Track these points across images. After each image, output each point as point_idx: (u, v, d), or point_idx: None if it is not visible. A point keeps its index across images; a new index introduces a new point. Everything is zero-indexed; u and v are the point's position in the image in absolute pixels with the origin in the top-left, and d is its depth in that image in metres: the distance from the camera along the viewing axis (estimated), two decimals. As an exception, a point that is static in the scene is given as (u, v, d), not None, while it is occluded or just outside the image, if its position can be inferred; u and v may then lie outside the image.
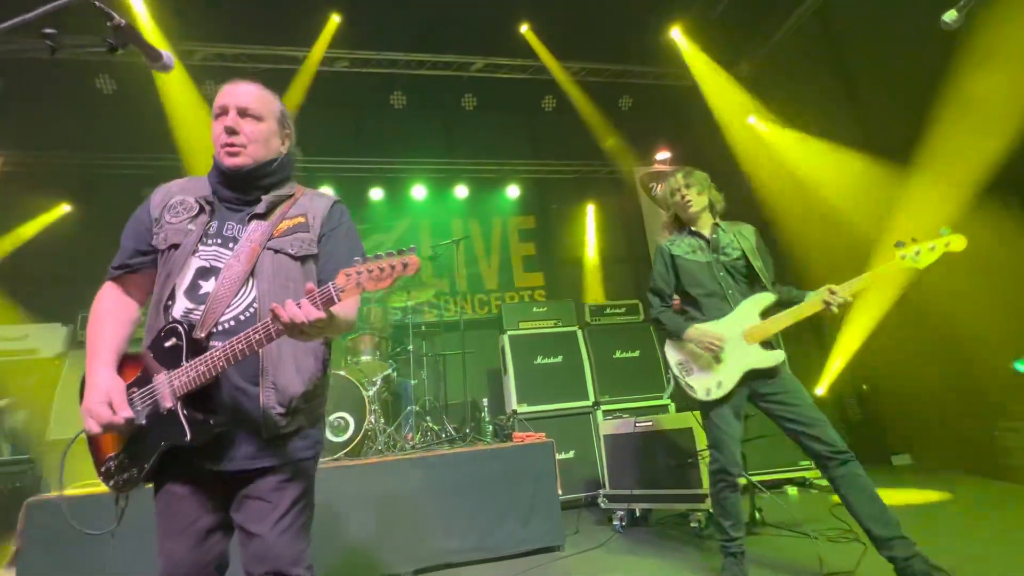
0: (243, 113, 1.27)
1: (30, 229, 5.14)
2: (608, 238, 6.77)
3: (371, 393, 3.57)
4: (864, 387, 4.72)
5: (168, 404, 1.12)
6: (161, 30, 4.67)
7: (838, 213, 4.89)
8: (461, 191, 6.41)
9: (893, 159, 4.42)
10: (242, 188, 1.31)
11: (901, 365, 4.51)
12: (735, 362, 2.23)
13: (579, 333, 4.60)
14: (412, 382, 4.09)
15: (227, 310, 1.20)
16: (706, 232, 2.45)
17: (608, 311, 4.91)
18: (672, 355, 2.42)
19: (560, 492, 3.05)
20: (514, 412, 4.12)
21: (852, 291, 2.08)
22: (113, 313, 1.25)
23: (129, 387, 1.17)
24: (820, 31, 5.22)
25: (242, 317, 1.20)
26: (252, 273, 1.23)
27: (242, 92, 1.29)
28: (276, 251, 1.26)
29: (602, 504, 3.43)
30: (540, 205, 6.80)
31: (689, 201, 2.42)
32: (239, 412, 1.17)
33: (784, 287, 2.34)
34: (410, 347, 4.16)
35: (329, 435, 3.25)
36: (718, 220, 2.48)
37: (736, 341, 2.23)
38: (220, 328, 1.19)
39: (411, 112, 6.24)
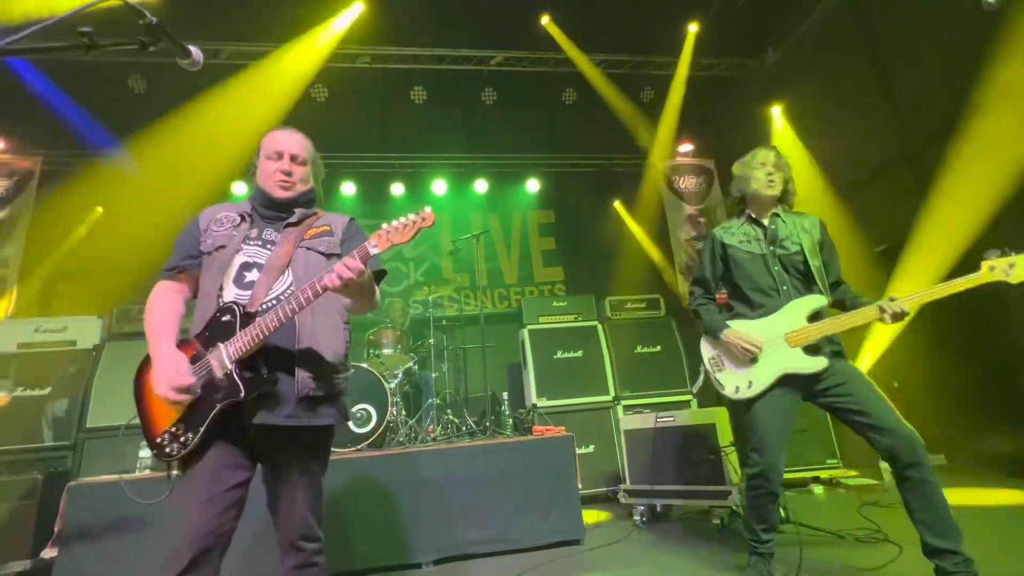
0: (294, 158, 1.58)
1: (70, 224, 5.35)
2: (629, 232, 6.70)
3: (393, 386, 3.62)
4: (895, 384, 4.58)
5: (224, 369, 1.32)
6: (184, 30, 4.79)
7: (863, 214, 4.76)
8: (481, 186, 6.42)
9: (928, 148, 4.26)
10: (284, 210, 1.59)
11: (934, 361, 4.37)
12: (771, 364, 2.09)
13: (599, 327, 4.58)
14: (433, 375, 4.13)
15: (269, 293, 1.44)
16: (765, 221, 2.27)
17: (629, 306, 4.86)
18: (706, 349, 2.31)
19: (580, 486, 3.05)
20: (534, 406, 4.13)
21: (919, 302, 1.89)
22: (167, 304, 1.48)
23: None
24: (851, 16, 5.04)
25: (282, 297, 1.44)
26: (288, 266, 1.48)
27: (295, 141, 1.60)
28: (308, 248, 1.54)
29: (622, 499, 3.42)
30: (560, 199, 6.77)
31: (773, 181, 2.22)
32: (281, 370, 1.39)
33: (849, 290, 2.17)
34: (431, 341, 4.20)
35: (352, 426, 3.31)
36: (779, 210, 2.29)
37: (776, 343, 2.10)
38: (264, 307, 1.41)
39: (431, 107, 6.27)
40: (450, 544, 2.78)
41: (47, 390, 3.76)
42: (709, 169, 6.79)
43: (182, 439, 1.32)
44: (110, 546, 2.51)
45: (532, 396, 4.22)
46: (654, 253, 6.65)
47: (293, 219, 1.57)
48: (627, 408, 4.24)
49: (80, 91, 5.38)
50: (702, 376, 2.33)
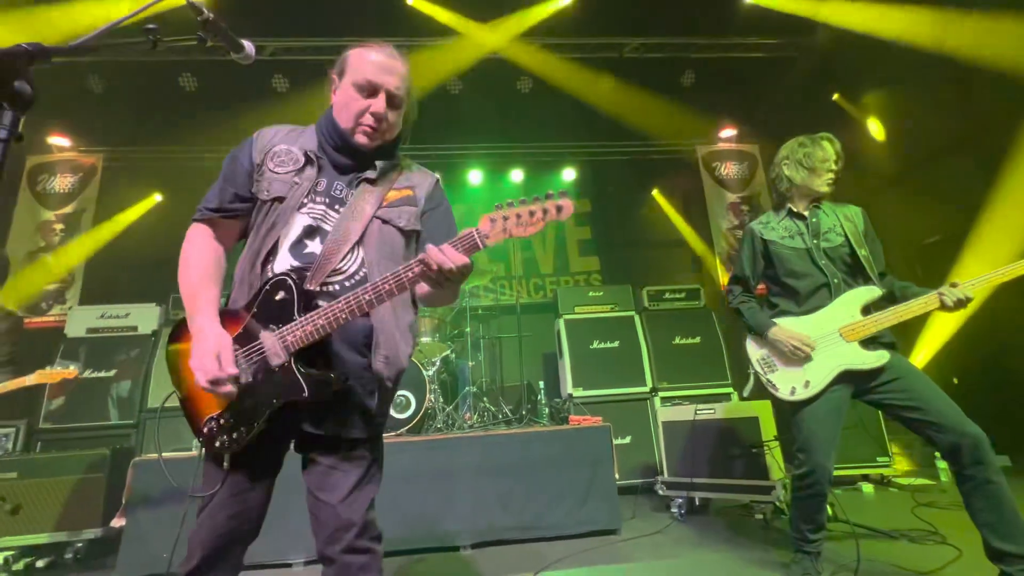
0: (391, 100, 1.23)
1: (129, 217, 5.68)
2: (667, 221, 6.54)
3: (431, 373, 3.69)
4: (954, 380, 4.33)
5: (279, 360, 1.08)
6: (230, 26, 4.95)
7: (926, 197, 4.49)
8: (516, 175, 6.40)
9: (994, 130, 3.97)
10: (360, 160, 1.27)
11: (998, 356, 4.09)
12: (828, 361, 1.99)
13: (636, 318, 4.51)
14: (469, 364, 4.18)
15: (333, 273, 1.16)
16: (806, 213, 2.18)
17: (667, 296, 4.76)
18: (753, 350, 2.20)
19: (616, 477, 3.03)
20: (570, 396, 4.12)
21: (983, 287, 1.79)
22: (206, 259, 1.20)
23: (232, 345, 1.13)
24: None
25: (348, 283, 1.17)
26: (360, 240, 1.20)
27: (397, 73, 1.23)
28: (384, 221, 1.24)
29: (659, 491, 3.38)
30: (596, 188, 6.67)
31: (831, 180, 2.11)
32: (352, 377, 1.15)
33: (897, 280, 2.07)
34: (467, 330, 4.24)
35: (392, 411, 3.39)
36: (819, 202, 2.20)
37: (831, 338, 2.01)
38: (327, 289, 1.15)
39: (467, 97, 6.27)
40: (487, 529, 2.83)
41: (112, 372, 4.02)
42: (752, 155, 6.54)
43: (234, 434, 1.10)
44: (172, 517, 2.68)
45: (568, 386, 4.21)
46: (694, 242, 6.48)
47: (371, 175, 1.25)
48: (664, 400, 4.18)
49: (135, 90, 5.67)
50: (752, 379, 2.22)
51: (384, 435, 3.33)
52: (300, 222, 1.19)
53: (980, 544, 1.75)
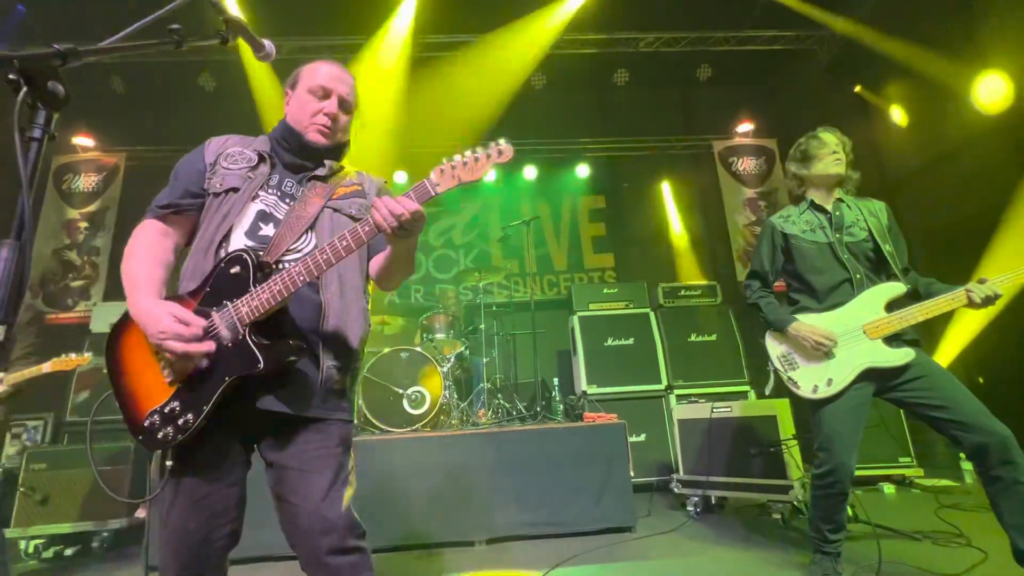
0: (343, 103, 1.31)
1: (150, 216, 5.80)
2: (683, 217, 6.48)
3: (445, 369, 3.70)
4: (980, 379, 4.21)
5: (236, 333, 1.06)
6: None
7: (953, 188, 4.37)
8: (530, 172, 6.38)
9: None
10: (312, 159, 1.32)
11: (1027, 354, 3.98)
12: (851, 358, 1.95)
13: (651, 315, 4.48)
14: (483, 360, 4.19)
15: (287, 252, 1.18)
16: (828, 207, 2.14)
17: (683, 293, 4.72)
18: (773, 346, 2.15)
19: (631, 474, 3.02)
20: (584, 393, 4.11)
21: (1012, 283, 1.75)
22: (153, 251, 1.20)
23: None
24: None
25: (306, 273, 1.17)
26: (312, 227, 1.23)
27: (347, 83, 1.32)
28: (335, 210, 1.28)
29: (675, 489, 3.36)
30: (611, 184, 6.63)
31: (840, 159, 2.09)
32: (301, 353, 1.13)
33: (919, 276, 2.02)
34: (481, 326, 4.25)
35: (407, 407, 3.43)
36: (841, 194, 2.16)
37: (854, 335, 1.96)
38: (282, 267, 1.14)
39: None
40: (502, 525, 2.84)
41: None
42: (770, 149, 6.43)
43: (180, 421, 1.04)
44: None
45: (582, 383, 4.20)
46: (710, 239, 6.40)
47: (321, 172, 1.30)
48: (680, 398, 4.14)
49: (155, 90, 5.78)
50: (772, 376, 2.19)
51: (400, 430, 3.28)
52: (254, 209, 1.22)
53: (1007, 547, 1.71)
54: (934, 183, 4.66)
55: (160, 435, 1.05)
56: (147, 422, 1.07)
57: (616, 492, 2.92)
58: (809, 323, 2.04)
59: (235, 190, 1.22)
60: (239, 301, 1.07)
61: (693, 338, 4.43)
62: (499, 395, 3.90)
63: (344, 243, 1.06)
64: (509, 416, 3.74)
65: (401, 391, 3.45)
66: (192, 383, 1.06)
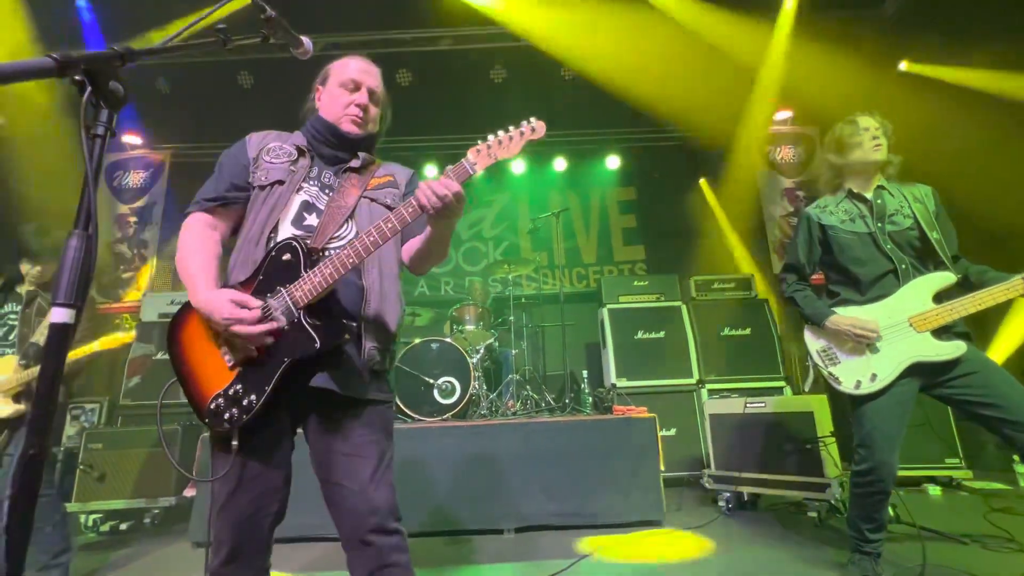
0: (372, 94, 1.38)
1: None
2: (717, 208, 6.31)
3: (475, 360, 3.75)
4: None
5: (291, 316, 1.12)
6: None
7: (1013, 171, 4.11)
8: (560, 164, 6.34)
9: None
10: (346, 149, 1.38)
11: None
12: (897, 352, 1.86)
13: (683, 308, 4.40)
14: (513, 352, 4.21)
15: (332, 239, 1.24)
16: (868, 195, 2.04)
17: (716, 286, 4.62)
18: (812, 341, 2.07)
19: (662, 468, 3.00)
20: (613, 386, 4.09)
21: None
22: (205, 245, 1.26)
23: None
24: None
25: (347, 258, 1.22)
26: (352, 215, 1.29)
27: (374, 75, 1.41)
28: (372, 200, 1.35)
29: (706, 484, 3.31)
30: (642, 175, 6.52)
31: (879, 144, 1.99)
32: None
33: (970, 264, 1.92)
34: (511, 318, 4.28)
35: (438, 397, 3.49)
36: (882, 181, 2.06)
37: (899, 328, 1.88)
38: (328, 253, 1.20)
39: (510, 86, 6.25)
40: (530, 514, 2.87)
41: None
42: (810, 137, 6.19)
43: (244, 402, 1.09)
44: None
45: (611, 376, 4.18)
46: (745, 231, 6.22)
47: (355, 164, 1.36)
48: (712, 392, 4.07)
49: (198, 89, 6.00)
50: (812, 372, 2.14)
51: (431, 419, 3.33)
52: (298, 200, 1.29)
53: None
54: (992, 166, 4.38)
55: (226, 416, 1.11)
56: (212, 405, 1.12)
57: (645, 486, 2.90)
58: (850, 316, 1.96)
59: (280, 183, 1.29)
60: (292, 286, 1.13)
61: (727, 332, 4.34)
62: (528, 387, 3.92)
63: (389, 225, 1.12)
64: (538, 407, 3.76)
65: (432, 381, 3.51)
66: (253, 366, 1.12)
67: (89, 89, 0.66)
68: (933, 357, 1.82)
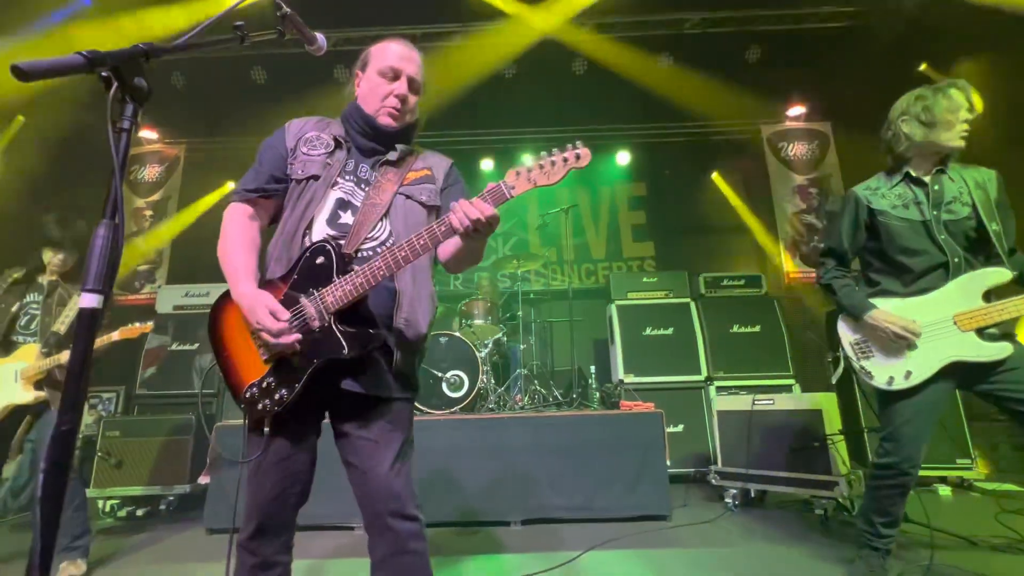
0: (412, 84, 1.34)
1: (208, 203, 6.14)
2: (728, 204, 6.28)
3: (483, 355, 3.78)
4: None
5: (320, 322, 1.14)
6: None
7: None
8: (569, 159, 6.33)
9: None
10: (384, 142, 1.35)
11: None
12: (936, 351, 1.77)
13: (692, 305, 4.39)
14: (521, 347, 4.24)
15: (366, 240, 1.24)
16: (926, 178, 1.88)
17: (725, 283, 4.60)
18: (846, 333, 1.98)
19: (668, 464, 3.01)
20: (621, 381, 4.10)
21: None
22: (245, 235, 1.28)
23: None
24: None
25: (379, 248, 1.24)
26: (387, 214, 1.28)
27: (415, 62, 1.35)
28: (407, 196, 1.32)
29: (713, 481, 3.32)
30: (652, 171, 6.49)
31: (965, 134, 1.80)
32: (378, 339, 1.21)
33: None
34: (519, 313, 4.30)
35: (446, 391, 3.52)
36: (945, 164, 1.89)
37: (942, 326, 1.78)
38: (361, 255, 1.22)
39: (521, 81, 6.25)
40: (536, 507, 2.89)
41: (196, 345, 4.40)
42: (823, 133, 6.12)
43: (276, 396, 1.15)
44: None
45: (619, 372, 4.19)
46: (756, 228, 6.18)
47: (392, 157, 1.34)
48: (720, 389, 4.07)
49: (211, 85, 6.07)
50: (841, 365, 2.04)
51: (439, 412, 3.37)
52: (333, 197, 1.28)
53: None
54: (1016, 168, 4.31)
55: (259, 406, 1.17)
56: (248, 394, 1.18)
57: (652, 480, 2.91)
58: (889, 311, 1.85)
59: (315, 178, 1.29)
60: (324, 290, 1.15)
61: (735, 329, 4.32)
62: (536, 381, 3.94)
63: (422, 242, 1.12)
64: (545, 402, 3.78)
65: (440, 374, 3.54)
66: (285, 363, 1.16)
67: (116, 85, 0.69)
68: (976, 358, 1.73)
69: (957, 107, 1.83)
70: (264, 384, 1.17)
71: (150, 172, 6.19)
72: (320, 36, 1.27)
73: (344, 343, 1.12)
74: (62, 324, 2.51)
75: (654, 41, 5.75)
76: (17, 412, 2.48)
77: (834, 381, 2.12)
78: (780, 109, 6.11)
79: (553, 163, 1.09)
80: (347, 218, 1.27)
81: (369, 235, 1.25)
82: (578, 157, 1.11)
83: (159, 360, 4.32)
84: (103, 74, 0.68)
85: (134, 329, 2.53)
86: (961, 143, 1.84)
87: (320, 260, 1.17)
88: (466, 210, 1.06)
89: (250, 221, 1.31)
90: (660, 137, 6.37)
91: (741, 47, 5.83)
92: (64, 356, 2.43)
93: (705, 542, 2.55)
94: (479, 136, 6.33)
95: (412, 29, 5.49)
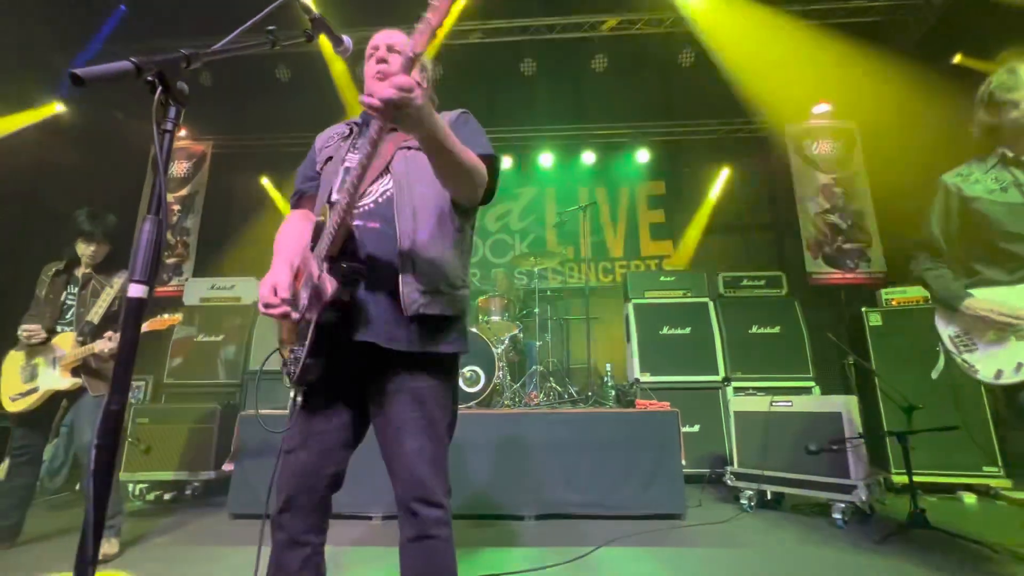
0: (391, 49, 1.38)
1: (234, 201, 6.30)
2: (749, 204, 6.20)
3: (499, 351, 3.81)
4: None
5: (317, 270, 1.16)
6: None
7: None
8: (588, 157, 6.32)
9: None
10: None
11: None
12: None
13: (710, 305, 4.36)
14: (537, 344, 4.26)
15: (365, 197, 1.26)
16: None
17: (745, 283, 4.55)
18: (942, 326, 1.91)
19: (683, 463, 3.00)
20: (637, 380, 4.09)
21: None
22: (293, 229, 1.36)
23: (301, 285, 1.24)
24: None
25: (380, 200, 1.26)
26: (387, 169, 1.29)
27: (391, 33, 1.41)
28: (409, 148, 1.31)
29: (728, 481, 3.30)
30: (672, 169, 6.44)
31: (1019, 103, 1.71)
32: (377, 280, 1.18)
33: None
34: (535, 310, 4.32)
35: (463, 385, 3.57)
36: None
37: None
38: (360, 211, 1.24)
39: (541, 79, 6.25)
40: (551, 502, 2.92)
41: (221, 337, 4.53)
42: (850, 131, 5.98)
43: (296, 359, 1.20)
44: (273, 465, 3.03)
45: (635, 370, 4.18)
46: (777, 227, 6.09)
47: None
48: (738, 390, 4.03)
49: (237, 82, 6.22)
50: (942, 359, 1.95)
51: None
52: (342, 168, 1.35)
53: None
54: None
55: (287, 371, 1.24)
56: (285, 361, 1.27)
57: (666, 479, 2.92)
58: (989, 299, 1.79)
59: (330, 159, 1.40)
60: (319, 242, 1.20)
61: (755, 330, 4.28)
62: (551, 378, 3.96)
63: (365, 151, 1.04)
64: (561, 399, 3.80)
65: (457, 370, 3.59)
66: (303, 325, 1.19)
67: (160, 88, 0.73)
68: None
69: (1006, 86, 1.75)
70: (292, 350, 1.23)
71: (179, 168, 6.37)
72: (347, 38, 1.31)
73: (329, 283, 1.12)
74: (96, 314, 2.63)
75: (678, 37, 5.69)
76: (55, 397, 2.60)
77: (935, 376, 2.03)
78: (805, 106, 5.99)
79: None
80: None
81: (368, 189, 1.27)
82: None
83: (186, 351, 4.47)
84: (148, 79, 0.72)
85: (163, 320, 2.62)
86: (1010, 121, 1.75)
87: (321, 219, 1.23)
88: (373, 89, 0.97)
89: (301, 219, 1.40)
90: (680, 135, 6.31)
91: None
92: (98, 345, 2.54)
93: (720, 542, 2.54)
94: (497, 133, 6.35)
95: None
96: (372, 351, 1.17)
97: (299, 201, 1.45)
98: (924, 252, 2.00)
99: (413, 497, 1.17)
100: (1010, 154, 1.81)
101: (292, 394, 1.26)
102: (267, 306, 1.15)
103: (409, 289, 1.18)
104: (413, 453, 1.18)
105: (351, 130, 1.43)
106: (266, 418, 3.09)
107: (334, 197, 1.28)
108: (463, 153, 1.14)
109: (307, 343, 1.15)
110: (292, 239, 1.32)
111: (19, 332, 2.58)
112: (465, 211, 1.35)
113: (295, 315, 1.18)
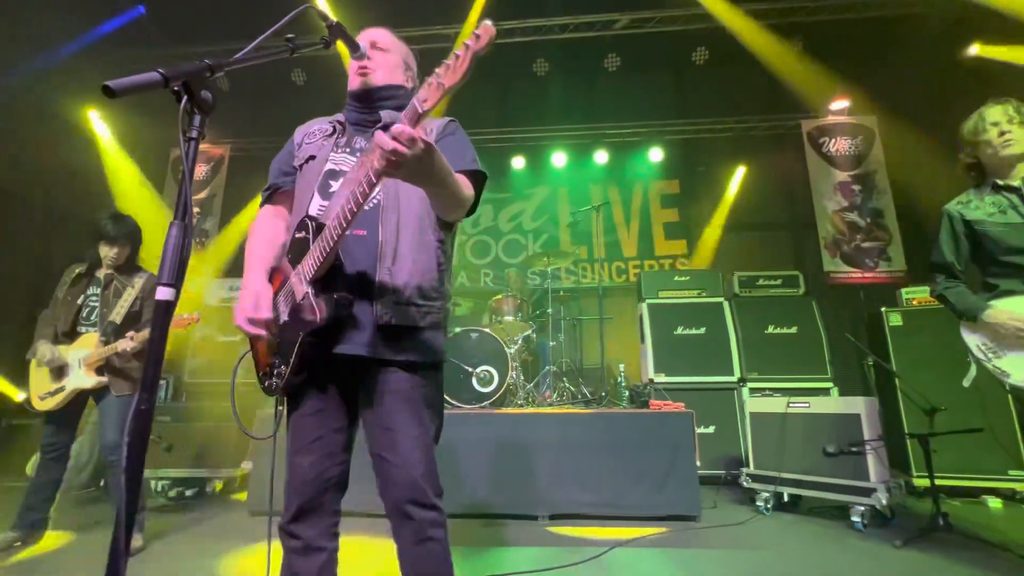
0: (373, 45, 1.38)
1: (252, 203, 6.40)
2: (765, 202, 6.12)
3: (513, 351, 3.82)
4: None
5: (301, 291, 1.14)
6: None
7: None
8: (601, 156, 6.30)
9: None
10: (365, 104, 1.36)
11: None
12: None
13: (725, 305, 4.32)
14: (550, 344, 4.27)
15: None
16: (1017, 183, 1.97)
17: (761, 282, 4.50)
18: (968, 337, 2.03)
19: (698, 465, 2.98)
20: (651, 380, 4.07)
21: None
22: (266, 230, 1.35)
23: (276, 295, 1.24)
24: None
25: (367, 207, 1.21)
26: None
27: (374, 30, 1.42)
28: None
29: (744, 483, 3.27)
30: (686, 168, 6.39)
31: (1010, 139, 1.95)
32: (361, 294, 1.18)
33: None
34: (549, 310, 4.32)
35: (476, 385, 3.59)
36: None
37: None
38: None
39: (553, 78, 6.25)
40: (564, 503, 2.92)
41: (239, 337, 4.61)
42: (868, 128, 5.87)
43: (275, 373, 1.20)
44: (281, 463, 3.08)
45: (649, 371, 4.16)
46: (794, 226, 6.01)
47: (386, 119, 1.31)
48: (754, 391, 3.99)
49: (254, 86, 6.33)
50: (973, 368, 2.07)
51: (469, 406, 3.39)
52: (325, 169, 1.31)
53: None
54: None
55: (266, 384, 1.25)
56: (262, 374, 1.27)
57: (681, 480, 2.90)
58: (1008, 309, 1.90)
59: (312, 158, 1.35)
60: (303, 262, 1.16)
61: (771, 330, 4.23)
62: (565, 378, 3.97)
63: (361, 189, 1.02)
64: (574, 399, 3.80)
65: (471, 369, 3.61)
66: (284, 342, 1.20)
67: (186, 98, 0.76)
68: None
69: (989, 124, 1.99)
70: (269, 363, 1.24)
71: (197, 171, 6.46)
72: (363, 44, 1.33)
73: (316, 310, 1.11)
74: (118, 315, 2.69)
75: (691, 33, 5.65)
76: (82, 396, 2.67)
77: (967, 384, 2.13)
78: (822, 103, 5.91)
79: (457, 56, 0.92)
80: (336, 186, 1.27)
81: None
82: (478, 38, 0.91)
83: (207, 351, 4.56)
84: (175, 88, 0.75)
85: (181, 319, 2.68)
86: (1008, 150, 1.96)
87: (301, 234, 1.19)
88: (380, 141, 0.93)
89: (273, 219, 1.38)
90: (694, 133, 6.26)
91: (784, 38, 5.64)
92: (120, 344, 2.61)
93: (735, 544, 2.52)
94: (510, 133, 6.37)
95: (445, 29, 5.57)
96: (355, 359, 1.18)
97: (272, 196, 1.40)
98: (941, 274, 2.13)
99: (407, 500, 1.16)
100: (1000, 182, 2.02)
101: (275, 403, 1.27)
102: (251, 322, 1.18)
103: (382, 303, 1.18)
104: (405, 455, 1.17)
105: (334, 128, 1.39)
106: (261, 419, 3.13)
107: (315, 212, 1.24)
108: (456, 186, 1.15)
109: (291, 362, 1.15)
110: (266, 241, 1.33)
111: (35, 354, 2.64)
112: (448, 224, 1.34)
113: (274, 334, 1.21)
